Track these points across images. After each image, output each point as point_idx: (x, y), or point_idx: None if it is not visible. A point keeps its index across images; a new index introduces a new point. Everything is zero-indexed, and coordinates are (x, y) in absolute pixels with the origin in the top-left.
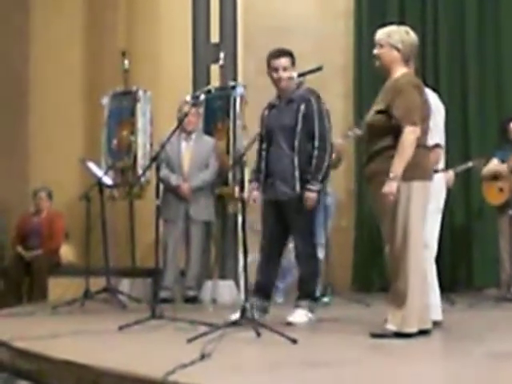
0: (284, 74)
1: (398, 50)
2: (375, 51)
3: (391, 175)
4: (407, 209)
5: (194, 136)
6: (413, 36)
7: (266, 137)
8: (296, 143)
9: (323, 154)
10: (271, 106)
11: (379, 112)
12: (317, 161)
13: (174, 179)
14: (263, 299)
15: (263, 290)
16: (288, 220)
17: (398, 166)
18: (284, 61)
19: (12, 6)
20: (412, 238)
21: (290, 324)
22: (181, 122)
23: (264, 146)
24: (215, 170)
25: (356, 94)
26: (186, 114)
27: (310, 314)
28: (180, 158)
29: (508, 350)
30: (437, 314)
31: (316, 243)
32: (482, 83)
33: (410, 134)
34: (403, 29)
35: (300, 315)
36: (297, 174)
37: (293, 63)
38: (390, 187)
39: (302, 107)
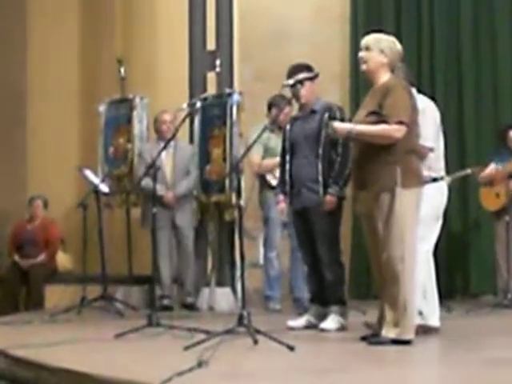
0: (302, 91)
1: (386, 55)
2: (362, 54)
3: (352, 127)
4: (404, 215)
5: (172, 143)
6: (399, 46)
7: (289, 149)
8: (320, 150)
9: (346, 161)
10: (294, 119)
11: (371, 113)
12: (340, 167)
13: (157, 189)
14: (319, 306)
15: (317, 297)
16: (313, 226)
17: (362, 130)
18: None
19: (9, 15)
20: (407, 245)
21: (322, 330)
22: (176, 131)
23: (287, 158)
24: (196, 176)
25: (352, 100)
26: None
27: (342, 320)
28: (161, 167)
29: (505, 357)
30: (435, 319)
31: (341, 249)
32: (478, 90)
33: (395, 130)
34: (390, 38)
35: (333, 321)
36: (320, 179)
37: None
38: (344, 128)
39: (326, 115)
